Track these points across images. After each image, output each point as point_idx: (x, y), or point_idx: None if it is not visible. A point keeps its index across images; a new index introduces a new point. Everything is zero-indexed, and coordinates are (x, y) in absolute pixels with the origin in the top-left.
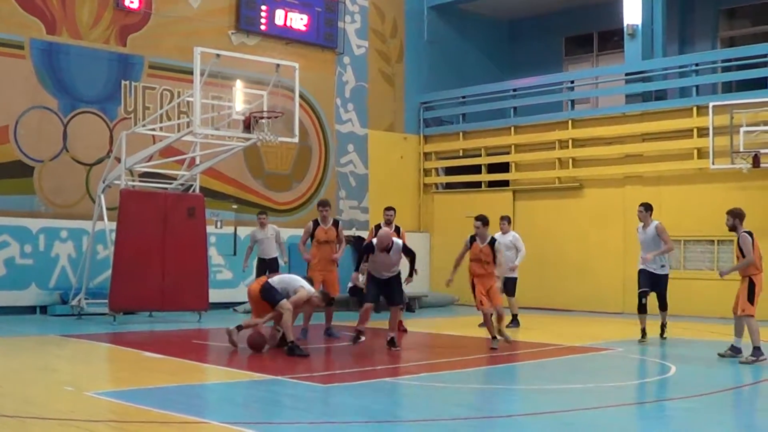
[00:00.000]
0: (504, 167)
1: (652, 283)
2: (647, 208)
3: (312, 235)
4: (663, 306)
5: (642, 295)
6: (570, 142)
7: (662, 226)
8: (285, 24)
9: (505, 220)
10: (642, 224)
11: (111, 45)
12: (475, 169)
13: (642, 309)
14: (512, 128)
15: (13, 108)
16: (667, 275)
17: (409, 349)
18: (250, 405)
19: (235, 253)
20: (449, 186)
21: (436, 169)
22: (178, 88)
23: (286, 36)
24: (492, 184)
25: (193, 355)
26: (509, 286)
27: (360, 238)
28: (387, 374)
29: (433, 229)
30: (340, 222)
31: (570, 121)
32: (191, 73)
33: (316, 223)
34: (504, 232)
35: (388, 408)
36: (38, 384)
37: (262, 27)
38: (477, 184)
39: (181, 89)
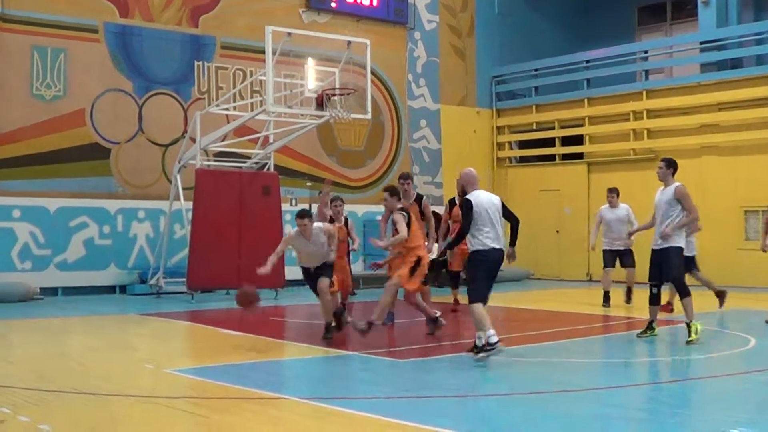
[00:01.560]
0: (578, 140)
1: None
2: (669, 164)
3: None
4: (681, 291)
5: (653, 287)
6: (644, 113)
7: (684, 188)
8: (355, 1)
9: (614, 192)
10: (662, 187)
11: (183, 26)
12: (549, 143)
13: (653, 300)
14: (585, 100)
15: (89, 91)
16: (675, 247)
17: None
18: (326, 380)
19: None
20: (523, 159)
21: (510, 143)
22: (250, 68)
23: (356, 13)
24: (566, 157)
25: (270, 331)
26: (628, 258)
27: (435, 214)
28: (464, 349)
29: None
30: (425, 197)
31: (644, 92)
32: (263, 52)
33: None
34: (613, 206)
35: (465, 383)
36: (119, 362)
37: (333, 4)
38: (551, 158)
39: (254, 68)
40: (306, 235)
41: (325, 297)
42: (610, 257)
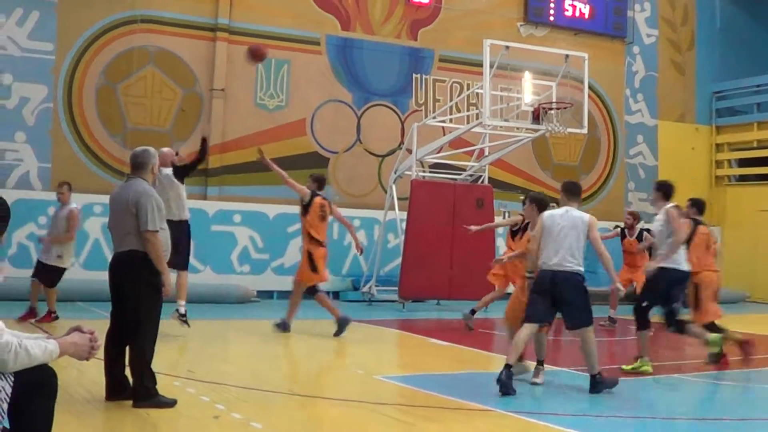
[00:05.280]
0: None
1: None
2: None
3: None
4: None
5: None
6: None
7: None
8: (573, 14)
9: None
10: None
11: (402, 39)
12: None
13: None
14: None
15: (310, 102)
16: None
17: (695, 345)
18: (535, 395)
19: None
20: (742, 178)
21: (729, 161)
22: (467, 81)
23: (574, 26)
24: None
25: (479, 343)
26: None
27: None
28: (674, 370)
29: (725, 223)
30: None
31: None
32: (480, 65)
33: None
34: None
35: (677, 404)
36: (330, 366)
37: (551, 18)
38: None
39: (471, 81)
40: None
41: None
42: None
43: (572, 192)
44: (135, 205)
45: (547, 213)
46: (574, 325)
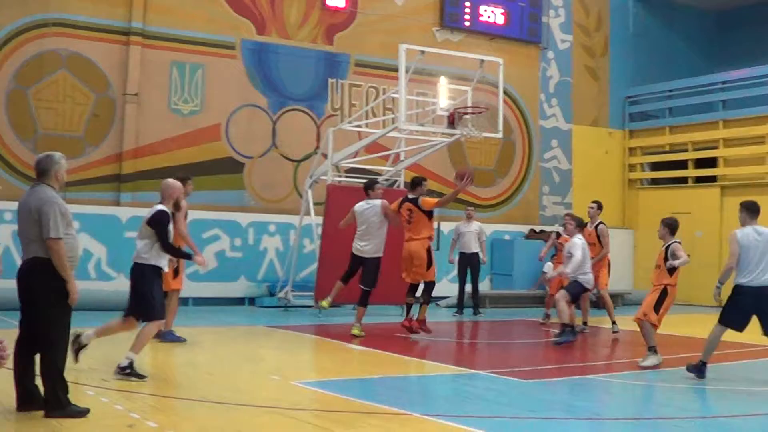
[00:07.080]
0: (711, 162)
1: None
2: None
3: None
4: None
5: None
6: None
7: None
8: (488, 20)
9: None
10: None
11: (318, 44)
12: (682, 165)
13: None
14: (721, 122)
15: (225, 107)
16: None
17: (612, 347)
18: (451, 398)
19: (438, 248)
20: (654, 182)
21: (642, 165)
22: (383, 85)
23: (489, 32)
24: (699, 179)
25: (395, 347)
26: None
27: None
28: (589, 371)
29: (637, 226)
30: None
31: None
32: (396, 70)
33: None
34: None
35: (589, 405)
36: (245, 372)
37: (466, 23)
38: (683, 180)
39: (386, 86)
40: None
41: None
42: None
43: (753, 210)
44: (38, 212)
45: (740, 233)
46: None
